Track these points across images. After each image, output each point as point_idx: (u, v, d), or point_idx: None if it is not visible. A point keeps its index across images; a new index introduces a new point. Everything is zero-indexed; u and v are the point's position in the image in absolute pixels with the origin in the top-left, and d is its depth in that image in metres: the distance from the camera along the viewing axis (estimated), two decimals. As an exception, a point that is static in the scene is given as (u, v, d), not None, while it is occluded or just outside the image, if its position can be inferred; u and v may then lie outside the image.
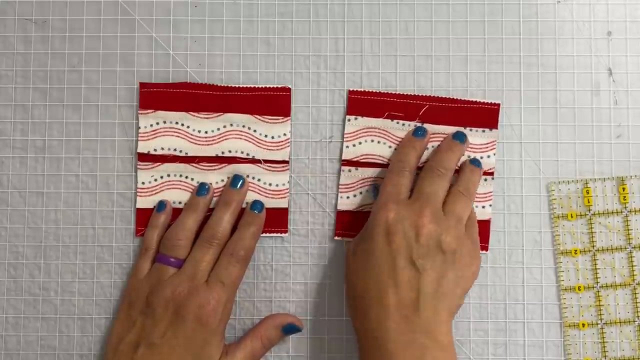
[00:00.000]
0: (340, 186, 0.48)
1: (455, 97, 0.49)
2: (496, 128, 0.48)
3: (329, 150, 0.49)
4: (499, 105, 0.48)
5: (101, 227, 0.49)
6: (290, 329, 0.47)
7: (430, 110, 0.49)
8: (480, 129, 0.48)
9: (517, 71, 0.49)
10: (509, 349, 0.48)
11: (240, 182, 0.48)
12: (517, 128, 0.49)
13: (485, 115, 0.48)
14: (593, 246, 0.48)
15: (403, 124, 0.48)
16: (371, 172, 0.49)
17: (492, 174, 0.48)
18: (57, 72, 0.49)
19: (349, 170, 0.48)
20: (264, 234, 0.48)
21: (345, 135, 0.49)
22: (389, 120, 0.48)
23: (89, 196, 0.49)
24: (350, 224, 0.48)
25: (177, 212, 0.48)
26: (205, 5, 0.50)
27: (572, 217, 0.48)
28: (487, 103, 0.48)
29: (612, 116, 0.49)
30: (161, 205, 0.48)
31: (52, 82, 0.49)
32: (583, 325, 0.48)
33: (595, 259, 0.48)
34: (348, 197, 0.48)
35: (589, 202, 0.48)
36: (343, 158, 0.49)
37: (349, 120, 0.49)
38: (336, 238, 0.48)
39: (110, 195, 0.49)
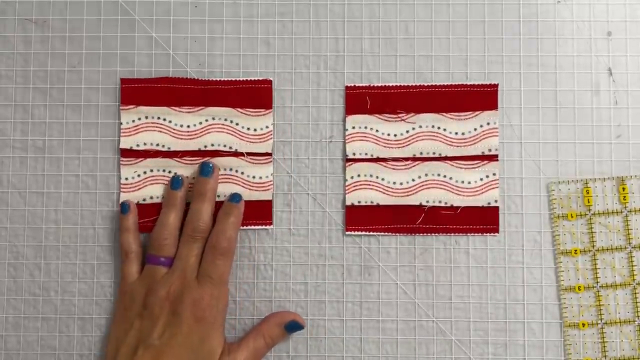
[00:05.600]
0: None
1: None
2: None
3: (329, 150, 0.49)
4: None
5: (101, 227, 0.49)
6: (293, 326, 0.47)
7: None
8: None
9: (517, 71, 0.49)
10: (509, 349, 0.48)
11: (210, 170, 0.47)
12: (517, 128, 0.49)
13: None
14: (593, 246, 0.48)
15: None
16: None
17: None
18: (57, 72, 0.49)
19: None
20: (248, 227, 0.48)
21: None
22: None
23: (89, 196, 0.49)
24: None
25: (159, 207, 0.48)
26: (205, 5, 0.50)
27: (572, 217, 0.48)
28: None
29: (612, 116, 0.49)
30: (124, 206, 0.48)
31: (52, 82, 0.49)
32: (583, 325, 0.48)
33: (595, 259, 0.48)
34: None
35: (589, 202, 0.48)
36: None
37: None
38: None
39: (110, 195, 0.49)
